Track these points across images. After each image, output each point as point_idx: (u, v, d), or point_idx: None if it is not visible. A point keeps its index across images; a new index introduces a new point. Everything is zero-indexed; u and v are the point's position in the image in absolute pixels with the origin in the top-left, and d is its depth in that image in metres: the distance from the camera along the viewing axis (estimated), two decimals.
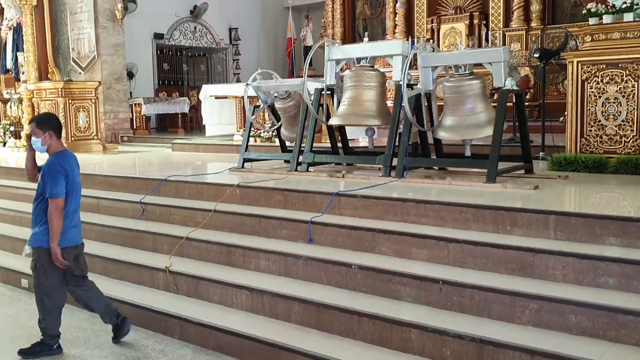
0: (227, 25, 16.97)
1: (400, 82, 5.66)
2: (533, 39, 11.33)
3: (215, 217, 5.38)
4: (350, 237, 4.57)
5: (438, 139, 6.14)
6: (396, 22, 13.82)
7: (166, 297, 4.81)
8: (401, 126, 5.79)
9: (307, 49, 16.02)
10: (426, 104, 5.93)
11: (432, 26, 13.23)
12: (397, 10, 13.79)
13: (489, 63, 5.45)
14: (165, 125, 14.97)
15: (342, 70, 6.57)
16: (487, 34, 12.52)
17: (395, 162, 5.75)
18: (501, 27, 12.51)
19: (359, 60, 6.24)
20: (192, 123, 14.74)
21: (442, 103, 5.84)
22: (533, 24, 12.07)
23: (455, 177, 5.69)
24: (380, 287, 4.06)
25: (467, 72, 5.65)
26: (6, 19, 13.18)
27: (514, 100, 5.59)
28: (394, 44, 6.51)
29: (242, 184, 5.66)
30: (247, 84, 6.96)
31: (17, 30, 12.65)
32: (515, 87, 5.35)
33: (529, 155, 5.67)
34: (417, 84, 5.96)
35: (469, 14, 12.88)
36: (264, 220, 5.13)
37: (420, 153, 6.16)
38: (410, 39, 12.15)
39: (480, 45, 12.49)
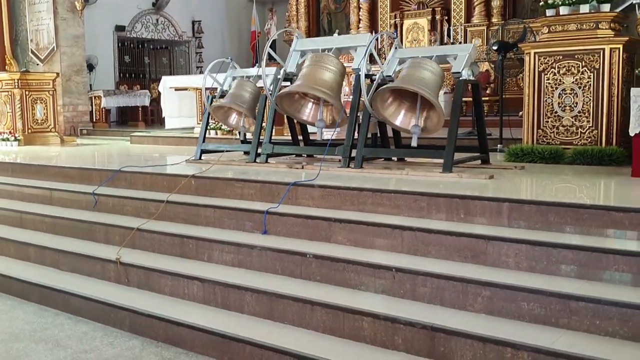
0: (190, 18, 16.75)
1: (360, 72, 5.62)
2: (493, 33, 11.43)
3: (169, 208, 5.25)
4: (307, 227, 4.50)
5: (397, 131, 6.12)
6: (360, 17, 13.84)
7: (117, 289, 4.67)
8: (360, 116, 5.75)
9: (272, 42, 15.89)
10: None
11: (395, 21, 13.27)
12: (361, 5, 13.81)
13: (454, 58, 5.42)
14: (126, 119, 14.72)
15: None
16: (449, 29, 12.61)
17: (354, 153, 5.70)
18: (463, 22, 12.61)
19: (324, 51, 6.16)
20: (154, 116, 14.52)
21: None
22: (494, 20, 12.20)
23: (415, 168, 5.66)
24: (334, 276, 4.00)
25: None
26: None
27: (472, 92, 5.59)
28: (360, 36, 6.49)
29: (197, 175, 5.55)
30: (205, 76, 6.84)
31: None
32: (471, 77, 5.35)
33: (485, 146, 5.68)
34: (374, 74, 5.91)
35: (431, 9, 12.98)
36: (218, 211, 5.03)
37: (380, 144, 6.12)
38: (374, 33, 12.15)
39: (442, 41, 12.57)
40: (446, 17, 12.84)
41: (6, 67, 12.14)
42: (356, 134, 5.77)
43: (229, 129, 9.67)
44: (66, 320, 4.46)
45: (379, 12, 13.68)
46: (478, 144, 5.68)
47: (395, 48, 5.76)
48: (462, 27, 12.42)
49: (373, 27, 13.41)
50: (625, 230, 3.62)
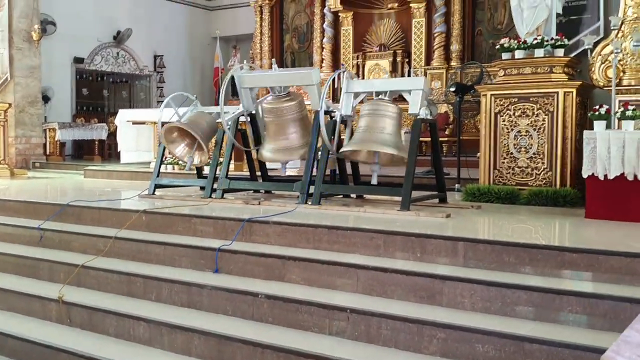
0: (152, 52, 16.64)
1: (319, 110, 5.59)
2: (452, 76, 11.66)
3: (118, 244, 5.05)
4: (260, 265, 4.37)
5: (356, 167, 6.09)
6: (323, 57, 13.95)
7: (58, 329, 4.43)
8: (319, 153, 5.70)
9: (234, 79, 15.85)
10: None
11: (357, 62, 13.42)
12: (324, 45, 13.94)
13: (408, 92, 5.44)
14: (82, 152, 14.38)
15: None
16: (409, 71, 12.78)
17: (312, 189, 5.62)
18: (423, 65, 12.82)
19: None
20: (111, 150, 14.23)
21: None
22: (453, 63, 12.43)
23: (374, 205, 5.61)
24: (287, 317, 3.86)
25: (387, 98, 5.64)
26: None
27: (429, 132, 5.60)
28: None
29: (149, 210, 5.37)
30: (161, 110, 6.69)
31: None
32: (429, 117, 5.36)
33: (442, 185, 5.68)
34: (334, 111, 5.89)
35: (392, 51, 13.17)
36: (169, 248, 4.86)
37: (338, 181, 6.07)
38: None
39: None
40: (407, 60, 13.04)
41: None
42: (315, 171, 5.71)
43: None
44: None
45: (342, 52, 13.81)
46: (436, 182, 5.66)
47: (347, 81, 5.70)
48: (422, 70, 12.62)
49: (335, 66, 13.51)
50: (579, 271, 3.60)
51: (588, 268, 3.58)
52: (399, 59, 13.11)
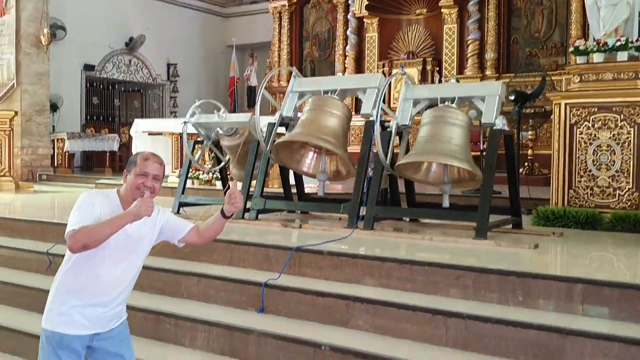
0: (165, 60, 15.92)
1: (372, 118, 4.83)
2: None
3: (142, 274, 4.26)
4: (317, 306, 3.59)
5: (411, 186, 5.32)
6: (346, 65, 13.23)
7: None
8: (370, 170, 4.93)
9: (251, 89, 15.18)
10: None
11: (383, 70, 12.65)
12: (347, 53, 13.22)
13: (481, 99, 4.67)
14: (92, 164, 13.61)
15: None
16: (440, 80, 12.05)
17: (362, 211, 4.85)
18: (455, 73, 12.06)
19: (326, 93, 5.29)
20: (122, 162, 13.42)
21: None
22: (488, 72, 11.68)
23: (431, 230, 4.83)
24: None
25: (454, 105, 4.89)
26: None
27: (504, 145, 4.83)
28: (370, 77, 5.58)
29: None
30: (185, 122, 5.93)
31: None
32: (506, 128, 4.59)
33: (518, 208, 4.90)
34: (387, 121, 5.13)
35: (422, 59, 12.43)
36: (204, 281, 4.08)
37: (389, 201, 5.29)
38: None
39: None
40: (437, 68, 12.30)
41: None
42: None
43: (207, 179, 8.76)
44: None
45: (366, 60, 13.08)
46: (510, 204, 4.87)
47: (406, 85, 4.97)
48: (455, 79, 11.87)
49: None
50: None
51: None
52: (428, 67, 12.36)
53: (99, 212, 2.48)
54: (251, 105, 15.22)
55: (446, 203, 4.63)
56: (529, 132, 8.54)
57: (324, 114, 5.15)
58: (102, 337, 2.64)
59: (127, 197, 2.56)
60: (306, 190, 6.11)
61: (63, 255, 3.78)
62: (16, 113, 10.05)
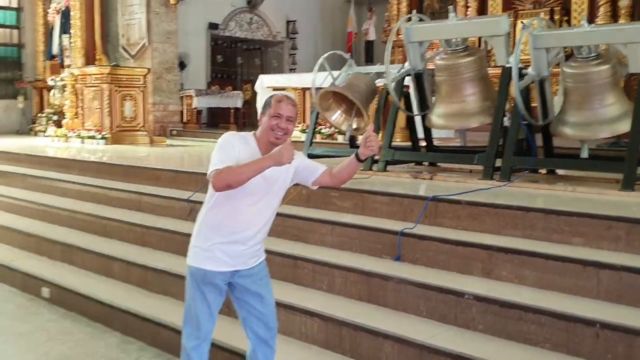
0: (284, 18, 16.06)
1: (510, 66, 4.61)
2: None
3: (277, 221, 4.37)
4: (456, 255, 3.52)
5: (548, 136, 5.05)
6: (468, 17, 12.69)
7: (220, 320, 3.82)
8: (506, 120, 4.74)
9: (369, 44, 15.02)
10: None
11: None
12: (469, 4, 12.66)
13: (624, 44, 4.36)
14: (217, 121, 14.13)
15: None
16: None
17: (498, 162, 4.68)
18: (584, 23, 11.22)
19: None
20: (245, 119, 13.85)
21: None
22: (621, 21, 10.77)
23: (571, 182, 4.57)
24: (506, 326, 2.99)
25: (593, 54, 4.60)
26: (54, 1, 12.56)
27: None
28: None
29: None
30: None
31: (65, 14, 12.00)
32: None
33: None
34: (525, 68, 4.87)
35: (549, 9, 11.66)
36: (337, 229, 4.13)
37: (527, 152, 5.05)
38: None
39: None
40: (565, 18, 11.52)
41: (96, 62, 11.75)
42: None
43: (329, 132, 8.83)
44: (154, 359, 3.66)
45: (489, 11, 12.45)
46: None
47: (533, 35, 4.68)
48: (586, 23, 11.06)
49: None
50: None
51: None
52: (556, 17, 11.58)
53: (238, 152, 2.55)
54: (369, 60, 15.06)
55: (585, 153, 4.36)
56: None
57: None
58: (242, 274, 2.73)
59: (262, 139, 2.63)
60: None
61: (202, 203, 3.98)
62: (149, 70, 10.56)
